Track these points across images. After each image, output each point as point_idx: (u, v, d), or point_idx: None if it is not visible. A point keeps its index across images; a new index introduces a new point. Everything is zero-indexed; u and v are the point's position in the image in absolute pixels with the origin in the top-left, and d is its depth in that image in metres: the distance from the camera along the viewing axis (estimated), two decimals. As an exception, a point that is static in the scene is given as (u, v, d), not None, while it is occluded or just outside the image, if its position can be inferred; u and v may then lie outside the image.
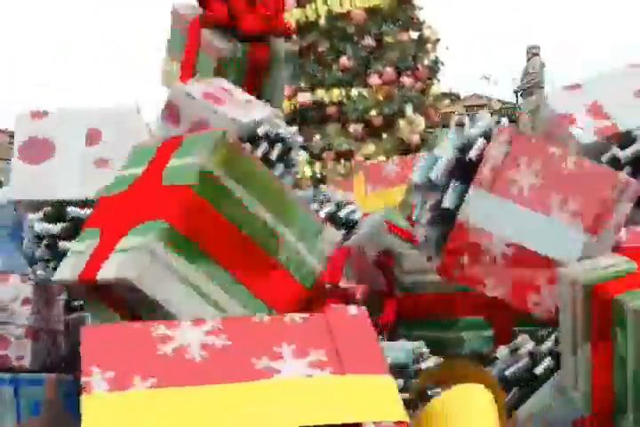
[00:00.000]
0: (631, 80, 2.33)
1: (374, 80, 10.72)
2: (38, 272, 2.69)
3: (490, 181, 1.62)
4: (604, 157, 2.16)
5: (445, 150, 1.72)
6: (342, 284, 2.92)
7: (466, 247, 1.62)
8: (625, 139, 2.18)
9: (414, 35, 11.41)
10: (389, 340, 2.57)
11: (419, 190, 1.79)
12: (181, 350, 1.44)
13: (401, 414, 1.37)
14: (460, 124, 1.82)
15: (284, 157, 2.74)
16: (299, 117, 10.79)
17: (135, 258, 1.65)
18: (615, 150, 2.18)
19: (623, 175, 1.81)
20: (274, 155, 2.65)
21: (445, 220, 1.68)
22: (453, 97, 13.65)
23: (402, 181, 3.49)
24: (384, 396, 1.41)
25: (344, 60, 10.71)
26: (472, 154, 1.65)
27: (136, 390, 1.38)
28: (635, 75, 2.37)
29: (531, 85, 16.19)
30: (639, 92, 2.30)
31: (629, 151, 2.13)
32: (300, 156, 3.70)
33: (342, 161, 10.58)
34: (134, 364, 1.42)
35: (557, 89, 2.57)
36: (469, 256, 1.61)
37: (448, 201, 1.67)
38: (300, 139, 2.92)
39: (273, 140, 2.68)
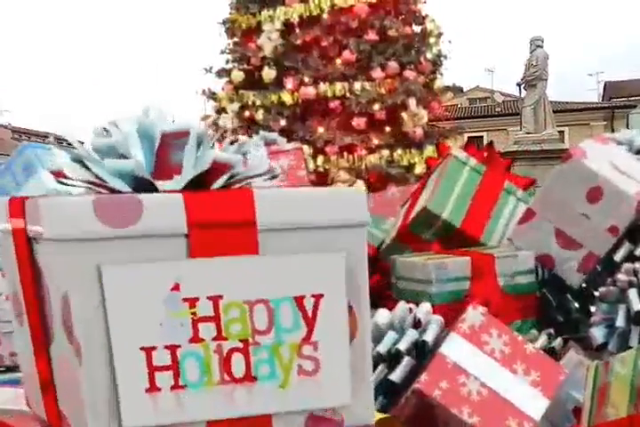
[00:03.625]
0: (574, 192, 2.36)
1: (377, 74, 10.73)
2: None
3: (468, 333, 1.84)
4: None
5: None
6: None
7: (446, 376, 1.75)
8: (609, 264, 2.28)
9: (417, 28, 11.44)
10: None
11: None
12: None
13: None
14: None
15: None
16: (302, 111, 10.84)
17: None
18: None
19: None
20: None
21: (424, 352, 1.86)
22: (456, 90, 13.66)
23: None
24: None
25: (347, 53, 10.72)
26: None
27: None
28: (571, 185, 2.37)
29: (534, 78, 16.18)
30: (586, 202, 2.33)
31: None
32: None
33: (345, 155, 10.61)
34: None
35: (514, 226, 2.61)
36: (449, 383, 1.74)
37: (429, 339, 1.87)
38: None
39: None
